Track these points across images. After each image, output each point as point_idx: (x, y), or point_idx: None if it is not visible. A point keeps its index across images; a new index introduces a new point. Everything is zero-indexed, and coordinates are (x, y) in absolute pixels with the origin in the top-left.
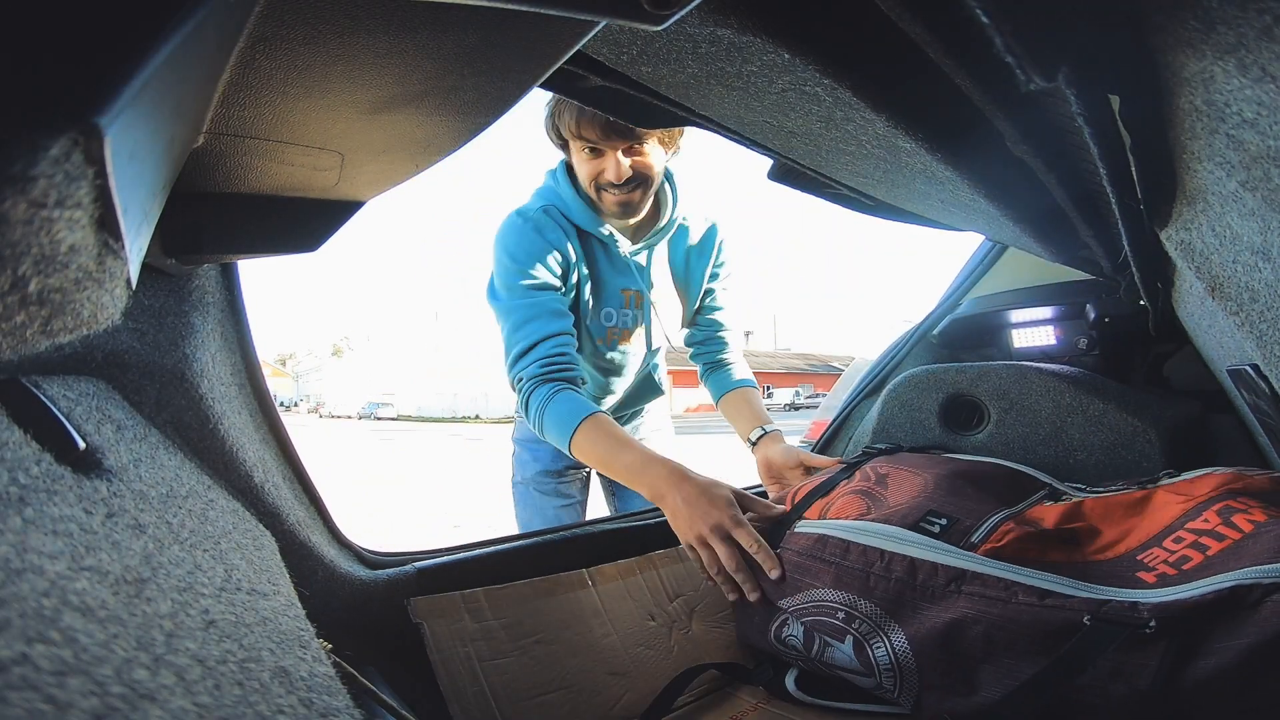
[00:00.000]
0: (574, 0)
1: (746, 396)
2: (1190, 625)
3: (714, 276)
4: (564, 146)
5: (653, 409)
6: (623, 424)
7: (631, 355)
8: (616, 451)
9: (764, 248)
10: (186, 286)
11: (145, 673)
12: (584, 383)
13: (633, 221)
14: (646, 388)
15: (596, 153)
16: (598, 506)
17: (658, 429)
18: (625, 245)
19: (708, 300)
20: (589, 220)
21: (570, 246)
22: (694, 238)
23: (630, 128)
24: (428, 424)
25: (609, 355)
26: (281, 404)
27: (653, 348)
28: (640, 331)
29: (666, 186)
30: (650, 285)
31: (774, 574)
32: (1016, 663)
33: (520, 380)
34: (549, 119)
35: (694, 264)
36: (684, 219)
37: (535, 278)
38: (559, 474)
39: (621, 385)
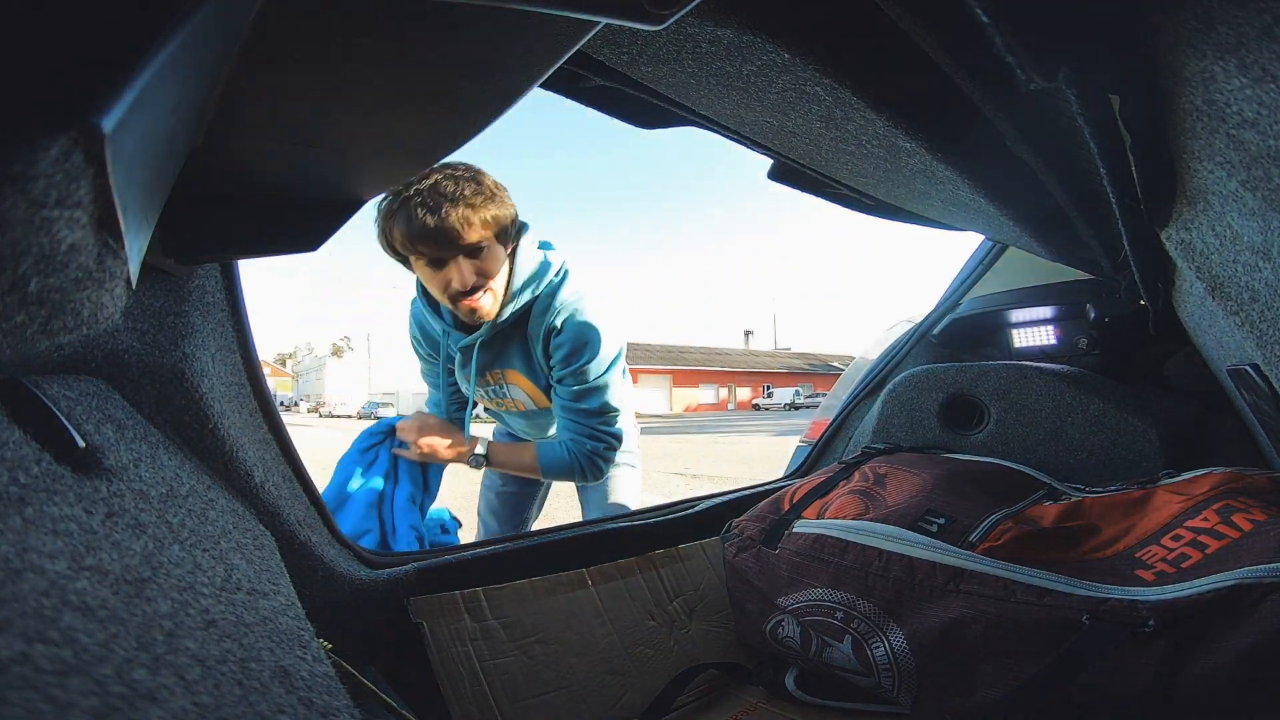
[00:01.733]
0: (574, 0)
1: (524, 443)
2: (1190, 624)
3: (554, 368)
4: (404, 261)
5: None
6: None
7: (512, 415)
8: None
9: (764, 247)
10: (186, 286)
11: (145, 672)
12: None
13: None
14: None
15: (438, 263)
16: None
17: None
18: (460, 338)
19: (556, 394)
20: (431, 317)
21: (428, 333)
22: (534, 328)
23: (459, 235)
24: None
25: (497, 411)
26: (281, 403)
27: (531, 410)
28: (504, 403)
29: (506, 282)
30: (489, 369)
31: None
32: (1016, 662)
33: None
34: (381, 235)
35: (535, 353)
36: (534, 306)
37: (419, 354)
38: None
39: (529, 430)
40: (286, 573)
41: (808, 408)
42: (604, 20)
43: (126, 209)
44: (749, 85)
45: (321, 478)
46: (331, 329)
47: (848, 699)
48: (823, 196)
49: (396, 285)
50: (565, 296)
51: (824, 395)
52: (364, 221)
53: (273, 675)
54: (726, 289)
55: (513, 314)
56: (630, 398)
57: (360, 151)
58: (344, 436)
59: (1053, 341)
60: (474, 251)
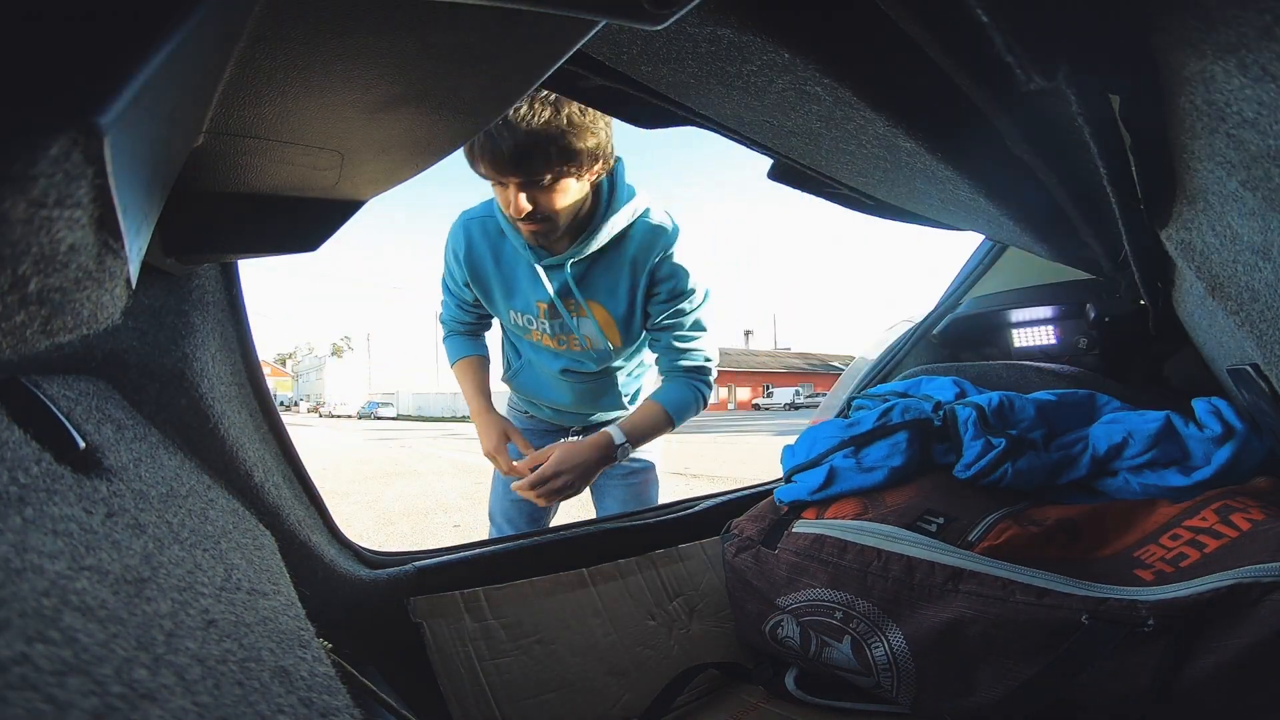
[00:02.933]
0: (574, 0)
1: (643, 407)
2: (1189, 624)
3: (660, 302)
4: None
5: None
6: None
7: (560, 356)
8: (467, 393)
9: (764, 247)
10: (186, 286)
11: (145, 672)
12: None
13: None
14: (603, 398)
15: (499, 183)
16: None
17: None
18: (543, 256)
19: (660, 327)
20: (511, 232)
21: (471, 254)
22: (637, 256)
23: (523, 163)
24: (429, 424)
25: (535, 355)
26: (281, 403)
27: (587, 351)
28: (567, 339)
29: (603, 203)
30: (569, 297)
31: (519, 488)
32: (1015, 662)
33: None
34: (467, 149)
35: (634, 282)
36: (630, 234)
37: (448, 285)
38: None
39: (562, 388)
40: (286, 573)
41: (808, 408)
42: (604, 20)
43: (126, 209)
44: (749, 85)
45: (322, 478)
46: (332, 329)
47: (848, 699)
48: (823, 196)
49: (397, 286)
50: (673, 231)
51: (824, 395)
52: (364, 222)
53: (273, 675)
54: (726, 289)
55: (607, 236)
56: None
57: (360, 151)
58: (344, 436)
59: (1053, 341)
60: (529, 183)
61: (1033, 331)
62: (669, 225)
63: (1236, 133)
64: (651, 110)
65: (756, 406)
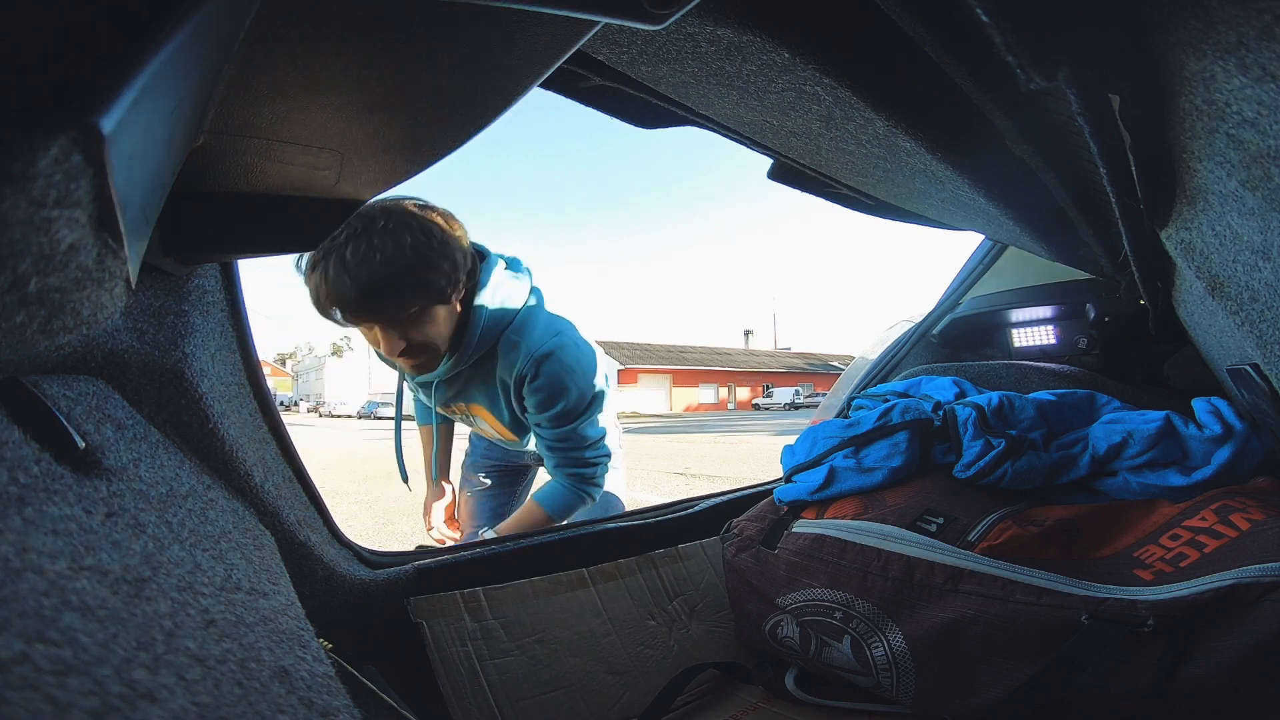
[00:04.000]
0: (574, 0)
1: (525, 507)
2: (1189, 624)
3: (534, 414)
4: None
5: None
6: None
7: (485, 433)
8: (425, 458)
9: (765, 247)
10: (186, 286)
11: (145, 672)
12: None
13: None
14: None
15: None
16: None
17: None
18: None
19: (540, 435)
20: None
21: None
22: (502, 377)
23: (377, 306)
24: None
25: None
26: (281, 403)
27: (500, 438)
28: (476, 425)
29: (470, 318)
30: (453, 404)
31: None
32: (1015, 662)
33: None
34: (313, 295)
35: (508, 397)
36: (496, 353)
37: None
38: (475, 465)
39: (495, 445)
40: (286, 573)
41: (808, 407)
42: (604, 20)
43: (126, 209)
44: (749, 85)
45: (322, 477)
46: (332, 329)
47: (847, 699)
48: (823, 196)
49: None
50: (538, 338)
51: (824, 395)
52: None
53: (273, 675)
54: (726, 289)
55: (472, 358)
56: (614, 403)
57: (360, 151)
58: (344, 436)
59: (1053, 341)
60: (393, 322)
61: (1032, 331)
62: (542, 337)
63: (1236, 133)
64: (651, 110)
65: (756, 406)
